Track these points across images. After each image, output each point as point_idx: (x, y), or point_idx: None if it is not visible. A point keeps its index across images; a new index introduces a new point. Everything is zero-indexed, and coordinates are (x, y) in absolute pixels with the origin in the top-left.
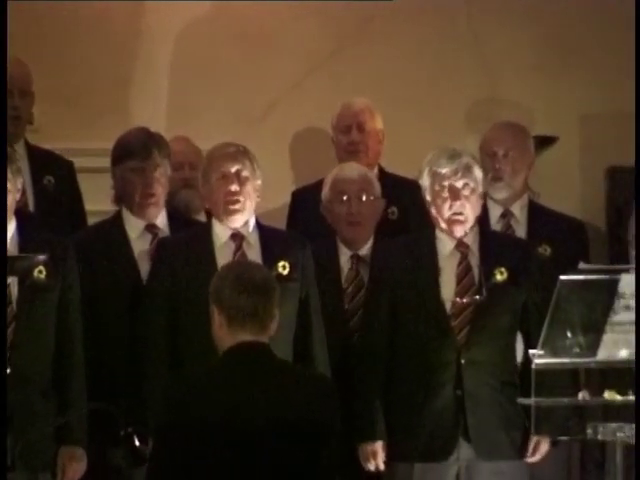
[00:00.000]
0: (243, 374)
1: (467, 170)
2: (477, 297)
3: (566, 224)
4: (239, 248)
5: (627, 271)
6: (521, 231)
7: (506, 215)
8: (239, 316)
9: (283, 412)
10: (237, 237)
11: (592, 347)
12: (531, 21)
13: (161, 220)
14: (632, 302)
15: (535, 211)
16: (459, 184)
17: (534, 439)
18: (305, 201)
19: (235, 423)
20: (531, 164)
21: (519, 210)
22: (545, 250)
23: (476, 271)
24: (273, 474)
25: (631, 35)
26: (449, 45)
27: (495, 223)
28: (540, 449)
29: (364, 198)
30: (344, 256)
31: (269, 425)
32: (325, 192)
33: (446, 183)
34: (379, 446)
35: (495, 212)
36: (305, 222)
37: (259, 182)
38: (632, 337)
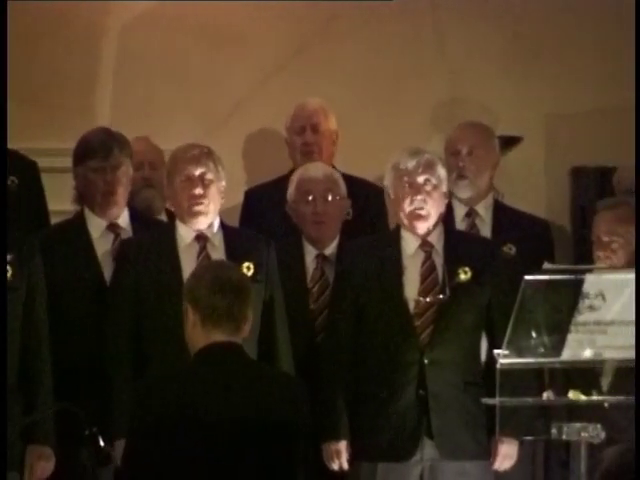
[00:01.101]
0: (216, 374)
1: (429, 166)
2: (441, 296)
3: (531, 224)
4: (203, 249)
5: (591, 271)
6: (486, 230)
7: (471, 214)
8: (214, 316)
9: (256, 412)
10: (201, 238)
11: (557, 347)
12: (496, 22)
13: (123, 219)
14: (596, 302)
15: (500, 211)
16: (420, 179)
17: (497, 441)
18: (259, 200)
19: (208, 423)
20: (496, 163)
21: (484, 209)
22: (510, 249)
23: (440, 270)
24: (246, 473)
25: (595, 35)
26: (414, 45)
27: (460, 222)
28: (503, 451)
29: (330, 198)
30: (309, 256)
31: (242, 425)
32: (290, 192)
33: (407, 178)
34: (342, 446)
35: (460, 211)
36: (259, 221)
37: (223, 183)
38: (596, 337)
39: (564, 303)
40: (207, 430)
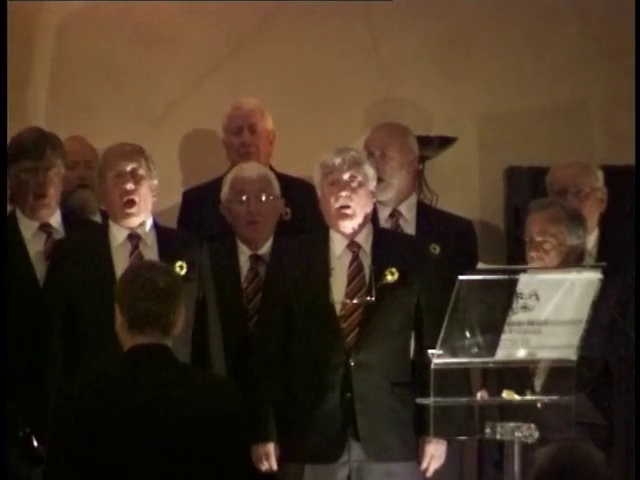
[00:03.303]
0: (141, 376)
1: (354, 163)
2: (367, 298)
3: (454, 223)
4: (136, 248)
5: (525, 271)
6: (410, 231)
7: (394, 215)
8: (138, 322)
9: (183, 413)
10: (134, 238)
11: (491, 347)
12: (430, 22)
13: (55, 220)
14: (530, 302)
15: (423, 211)
16: (346, 176)
17: (425, 441)
18: (197, 201)
19: (132, 425)
20: (413, 162)
21: (407, 210)
22: (435, 249)
23: (367, 271)
24: (174, 474)
25: (528, 35)
26: (348, 45)
27: (384, 223)
28: (431, 451)
29: (263, 198)
30: (243, 256)
31: (168, 426)
32: (224, 192)
33: (333, 175)
34: (271, 447)
35: (384, 212)
36: (197, 222)
37: (155, 182)
38: (530, 337)
39: (498, 303)
40: (131, 431)
